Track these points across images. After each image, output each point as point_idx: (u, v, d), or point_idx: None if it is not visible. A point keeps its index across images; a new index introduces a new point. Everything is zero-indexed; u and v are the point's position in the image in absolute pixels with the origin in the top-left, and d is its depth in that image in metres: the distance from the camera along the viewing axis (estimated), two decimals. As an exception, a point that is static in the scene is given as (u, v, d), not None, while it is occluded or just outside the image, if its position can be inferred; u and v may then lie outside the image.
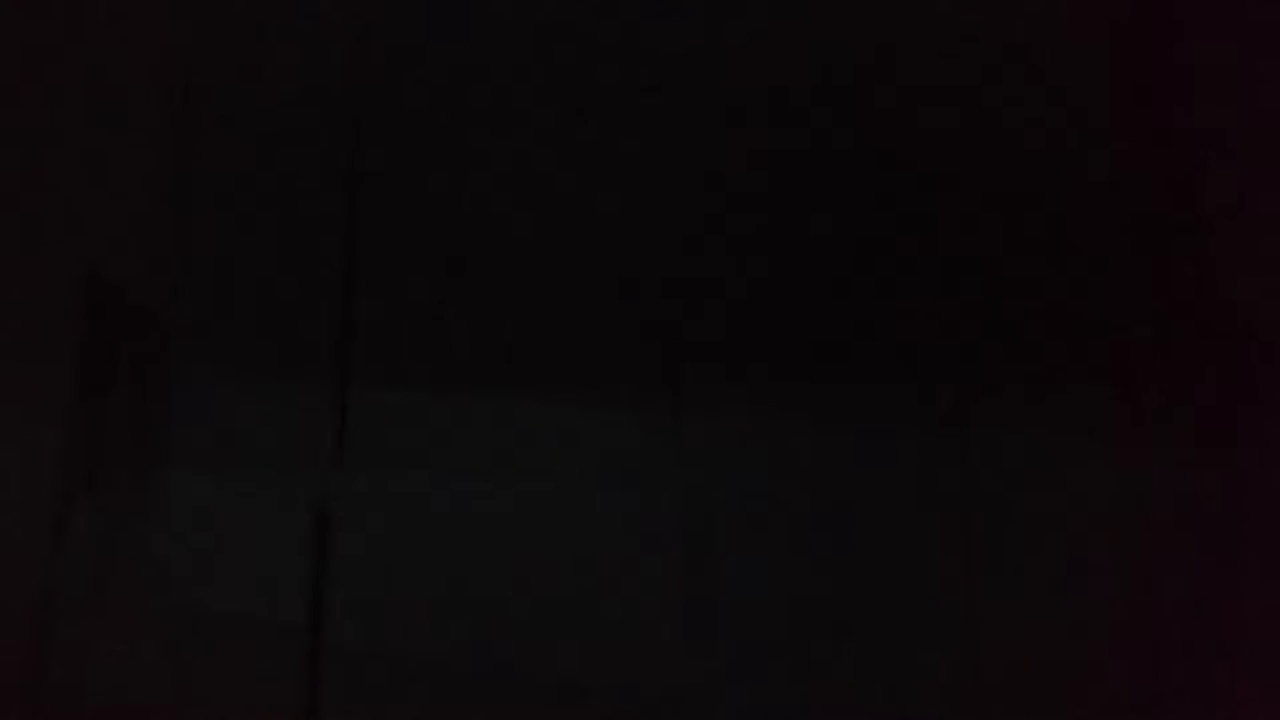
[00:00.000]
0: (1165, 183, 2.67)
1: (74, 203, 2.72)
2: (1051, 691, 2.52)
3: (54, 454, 2.63)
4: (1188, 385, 2.61)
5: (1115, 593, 2.54)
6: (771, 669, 2.56)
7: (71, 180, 2.73)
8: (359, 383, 2.66)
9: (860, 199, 2.69)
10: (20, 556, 2.60)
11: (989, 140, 2.69)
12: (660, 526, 2.61)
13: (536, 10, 2.78)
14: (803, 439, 2.62)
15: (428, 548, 2.61)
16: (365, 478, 2.63)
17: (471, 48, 2.76)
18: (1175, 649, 2.51)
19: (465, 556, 2.60)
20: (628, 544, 2.60)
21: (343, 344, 2.67)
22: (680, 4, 2.76)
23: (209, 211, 2.74)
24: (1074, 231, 2.66)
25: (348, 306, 2.69)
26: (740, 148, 2.72)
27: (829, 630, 2.57)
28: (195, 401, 2.66)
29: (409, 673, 2.57)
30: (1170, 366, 2.62)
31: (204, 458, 2.65)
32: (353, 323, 2.68)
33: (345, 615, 2.59)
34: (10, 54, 2.77)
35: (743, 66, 2.74)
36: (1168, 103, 2.69)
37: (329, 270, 2.70)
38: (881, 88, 2.71)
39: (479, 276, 2.70)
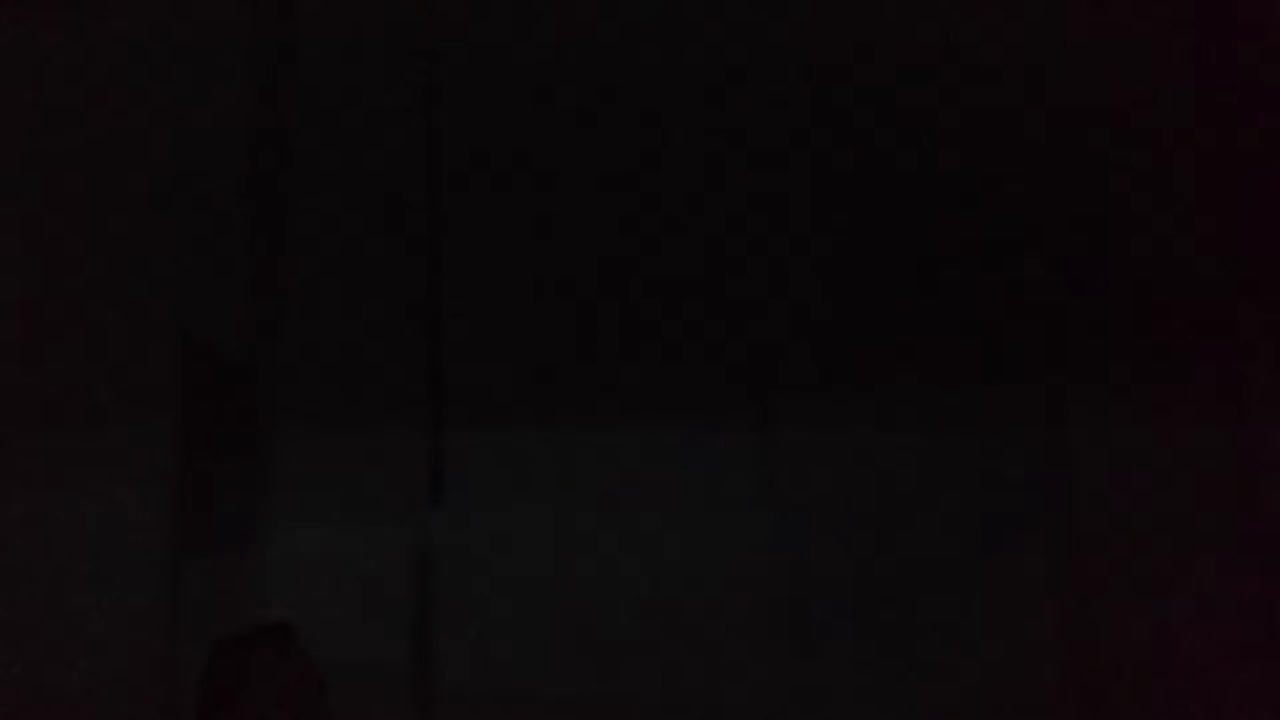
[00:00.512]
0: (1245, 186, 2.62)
1: (167, 265, 2.80)
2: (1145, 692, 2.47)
3: (163, 516, 2.70)
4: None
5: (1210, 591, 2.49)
6: (869, 683, 2.54)
7: (163, 243, 2.81)
8: (452, 424, 2.70)
9: (940, 206, 2.67)
10: (138, 618, 2.68)
11: (1062, 146, 2.66)
12: (754, 548, 2.60)
13: (608, 44, 2.80)
14: (890, 447, 2.61)
15: (527, 583, 2.63)
16: (463, 518, 2.67)
17: (543, 90, 2.80)
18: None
19: (565, 587, 2.62)
20: (724, 567, 2.60)
21: (434, 387, 2.72)
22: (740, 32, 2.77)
23: (297, 263, 2.80)
24: (1159, 232, 2.62)
25: (437, 350, 2.73)
26: (816, 162, 2.71)
27: (923, 639, 2.54)
28: (294, 453, 2.72)
29: (516, 708, 2.59)
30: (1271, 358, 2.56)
31: (307, 508, 2.70)
32: (442, 366, 2.72)
33: (450, 654, 2.62)
34: (96, 115, 2.86)
35: (822, 88, 2.74)
36: (1237, 106, 2.64)
37: (417, 316, 2.75)
38: (951, 105, 2.69)
39: (562, 311, 2.73)
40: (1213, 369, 2.56)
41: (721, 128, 2.74)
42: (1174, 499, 2.52)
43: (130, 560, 2.70)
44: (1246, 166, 2.62)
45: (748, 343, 2.68)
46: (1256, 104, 2.62)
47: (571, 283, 2.73)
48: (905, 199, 2.69)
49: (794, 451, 2.63)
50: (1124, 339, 2.60)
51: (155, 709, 2.67)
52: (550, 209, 2.76)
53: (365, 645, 2.64)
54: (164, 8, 2.89)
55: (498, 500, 2.67)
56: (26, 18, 2.89)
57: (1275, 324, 2.57)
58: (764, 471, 2.63)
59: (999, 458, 2.58)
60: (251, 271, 2.79)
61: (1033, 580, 2.54)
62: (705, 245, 2.71)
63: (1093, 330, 2.60)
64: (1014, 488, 2.57)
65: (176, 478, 2.70)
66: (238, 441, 2.71)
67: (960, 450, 2.59)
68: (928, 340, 2.64)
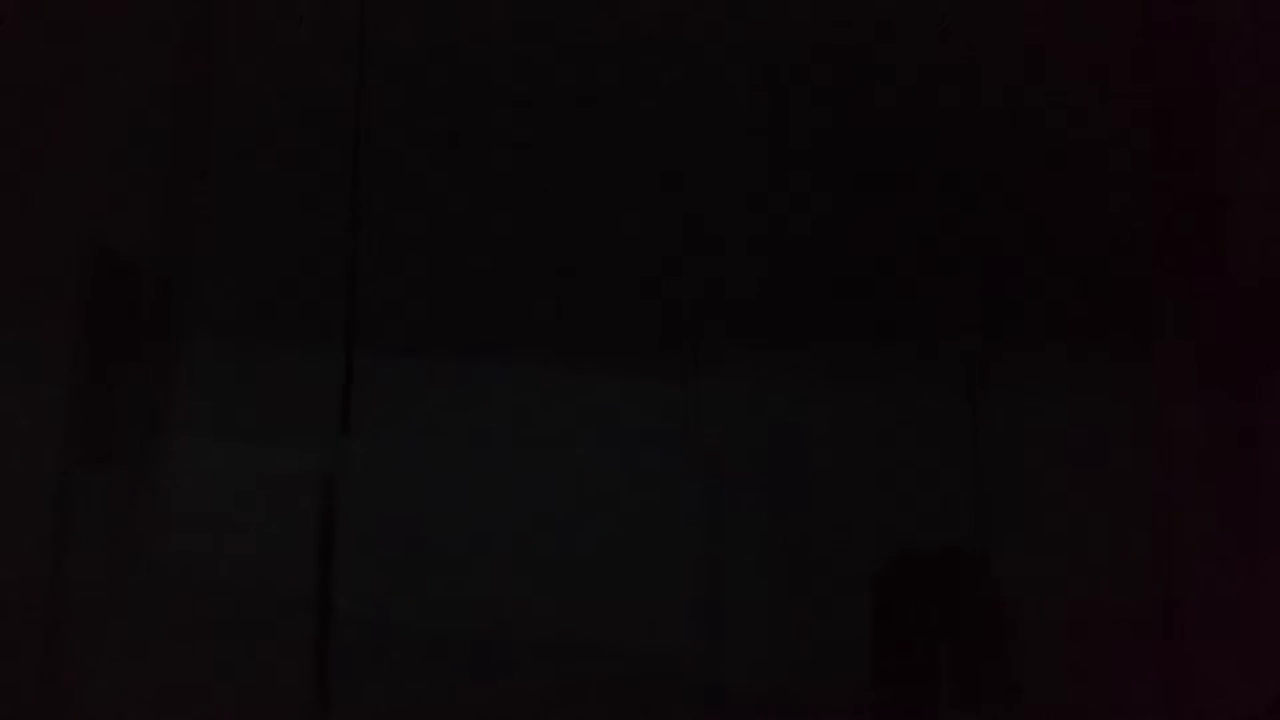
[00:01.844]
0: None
1: (76, 171, 2.70)
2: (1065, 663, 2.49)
3: (59, 425, 2.62)
4: (1207, 346, 2.57)
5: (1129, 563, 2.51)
6: (785, 631, 2.54)
7: (73, 147, 2.71)
8: (365, 348, 2.64)
9: (878, 156, 2.66)
10: (25, 530, 2.59)
11: (998, 105, 2.66)
12: (671, 491, 2.58)
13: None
14: (819, 400, 2.60)
15: (435, 514, 2.59)
16: (372, 444, 2.61)
17: (480, 20, 2.74)
18: (1194, 624, 2.48)
19: (473, 523, 2.58)
20: (638, 509, 2.57)
21: (349, 309, 2.65)
22: None
23: (212, 176, 2.72)
24: (1083, 175, 2.63)
25: (353, 271, 2.66)
26: (759, 108, 2.69)
27: (844, 591, 2.54)
28: (199, 369, 2.65)
29: (418, 641, 2.55)
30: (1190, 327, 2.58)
31: (209, 425, 2.63)
32: (358, 287, 2.66)
33: (352, 583, 2.57)
34: (14, 29, 2.76)
35: (756, 28, 2.71)
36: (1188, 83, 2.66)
37: (334, 234, 2.68)
38: (888, 59, 2.68)
39: (488, 238, 2.67)
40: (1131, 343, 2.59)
41: (659, 81, 2.71)
42: (1085, 462, 2.54)
43: (17, 469, 2.61)
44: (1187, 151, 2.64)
45: (678, 291, 2.65)
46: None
47: (501, 213, 2.68)
48: (845, 154, 2.68)
49: (716, 403, 2.61)
50: (1049, 305, 2.61)
51: (41, 622, 2.59)
52: (480, 132, 2.71)
53: (267, 569, 2.58)
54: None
55: (407, 428, 2.62)
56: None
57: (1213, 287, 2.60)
58: (686, 421, 2.61)
59: (923, 417, 2.59)
60: (171, 181, 2.71)
61: (949, 540, 2.55)
62: (639, 192, 2.68)
63: (1018, 294, 2.61)
64: (934, 446, 2.58)
65: (74, 385, 2.62)
66: (144, 351, 2.63)
67: (884, 408, 2.59)
68: (860, 297, 2.63)
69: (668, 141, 2.69)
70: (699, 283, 2.64)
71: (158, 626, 2.56)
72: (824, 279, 2.64)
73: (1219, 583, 2.46)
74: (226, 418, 2.63)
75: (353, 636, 2.54)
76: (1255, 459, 2.50)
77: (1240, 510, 2.48)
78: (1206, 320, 2.58)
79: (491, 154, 2.69)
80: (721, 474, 2.58)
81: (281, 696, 2.53)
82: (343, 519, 2.58)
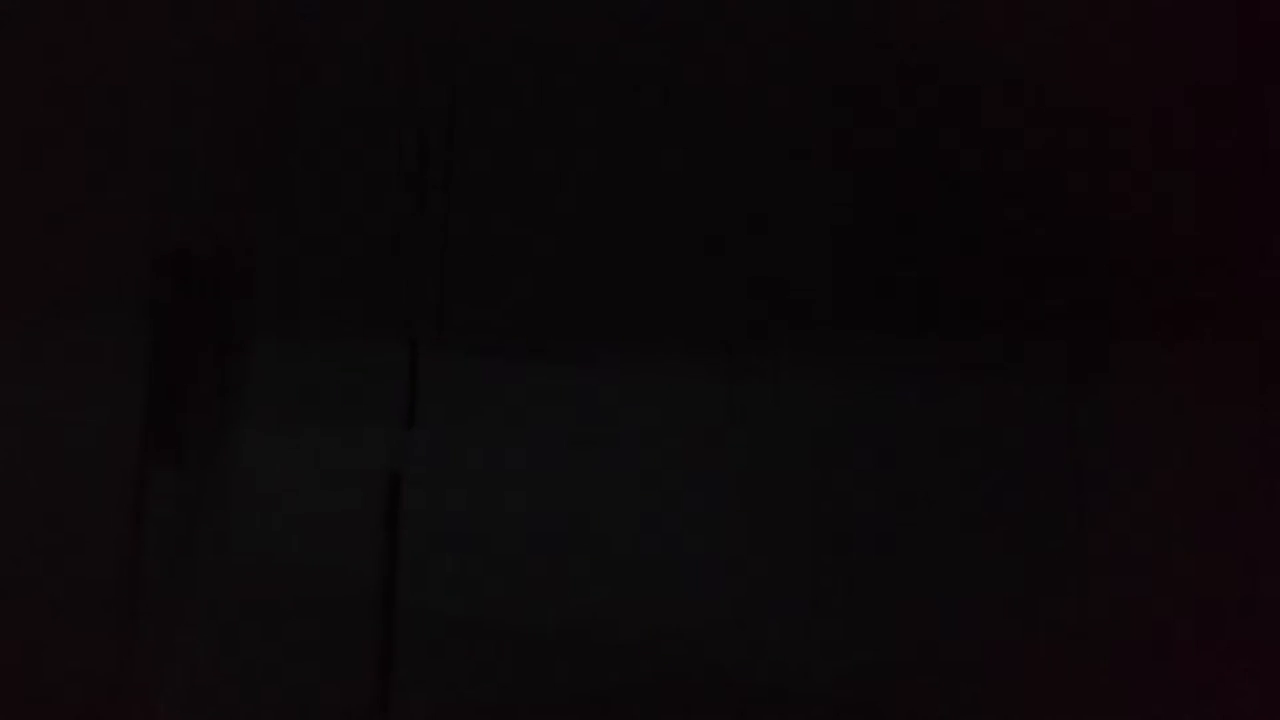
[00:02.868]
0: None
1: (151, 170, 2.77)
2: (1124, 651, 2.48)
3: (135, 418, 2.68)
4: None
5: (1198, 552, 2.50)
6: (824, 621, 2.55)
7: (149, 147, 2.78)
8: (430, 345, 2.69)
9: (924, 155, 2.67)
10: (103, 519, 2.66)
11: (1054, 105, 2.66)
12: (721, 484, 2.60)
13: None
14: (854, 395, 2.61)
15: (496, 505, 2.62)
16: (435, 438, 2.66)
17: (558, 21, 2.78)
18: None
19: (532, 517, 2.61)
20: (688, 502, 2.60)
21: (414, 307, 2.70)
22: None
23: (286, 177, 2.78)
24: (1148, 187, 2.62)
25: (420, 270, 2.71)
26: (806, 109, 2.71)
27: (882, 583, 2.55)
28: (270, 364, 2.70)
29: (478, 628, 2.59)
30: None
31: (279, 419, 2.68)
32: (424, 286, 2.71)
33: (416, 572, 2.61)
34: (92, 32, 2.83)
35: (803, 27, 2.73)
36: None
37: (402, 235, 2.73)
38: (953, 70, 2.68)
39: (549, 243, 2.71)
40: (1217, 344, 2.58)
41: (718, 81, 2.73)
42: (1170, 462, 2.53)
43: (98, 466, 2.68)
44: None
45: (733, 291, 2.67)
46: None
47: (565, 218, 2.71)
48: (900, 152, 2.69)
49: (764, 399, 2.63)
50: (1123, 305, 2.60)
51: (117, 615, 2.65)
52: (548, 140, 2.75)
53: (333, 562, 2.63)
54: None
55: (471, 424, 2.66)
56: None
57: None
58: (734, 417, 2.63)
59: (965, 413, 2.59)
60: (240, 182, 2.77)
61: (1009, 530, 2.55)
62: (693, 194, 2.71)
63: (1095, 292, 2.61)
64: (977, 444, 2.58)
65: (149, 384, 2.68)
66: (215, 348, 2.69)
67: (927, 405, 2.60)
68: (905, 294, 2.64)
69: (724, 146, 2.71)
70: (752, 281, 2.66)
71: (229, 616, 2.61)
72: (889, 274, 2.65)
73: None
74: (295, 413, 2.68)
75: (415, 627, 2.58)
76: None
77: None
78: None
79: (550, 158, 2.73)
80: (770, 471, 2.60)
81: (346, 683, 2.58)
82: (407, 512, 2.62)
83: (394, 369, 2.68)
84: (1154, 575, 2.50)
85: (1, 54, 2.82)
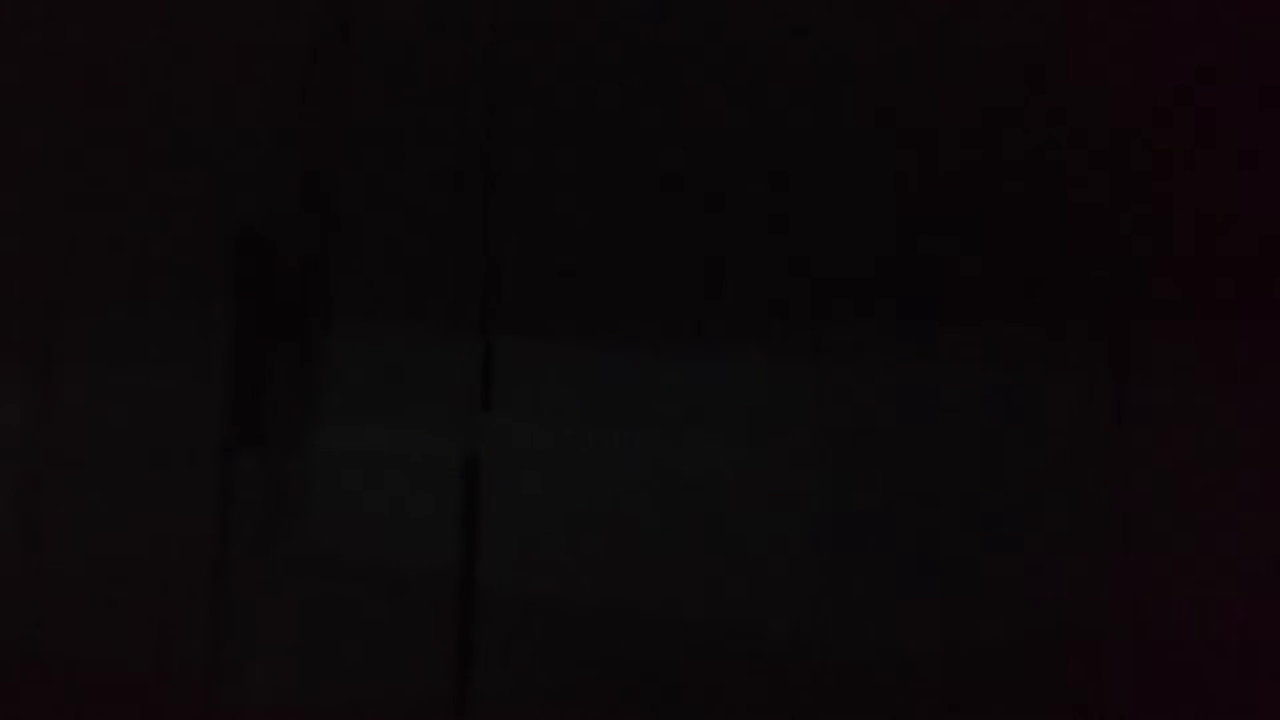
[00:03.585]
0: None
1: (227, 162, 2.81)
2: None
3: (216, 408, 2.72)
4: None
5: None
6: (904, 610, 2.55)
7: (223, 139, 2.82)
8: (505, 331, 2.71)
9: (992, 148, 2.65)
10: (186, 506, 2.71)
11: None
12: (801, 475, 2.61)
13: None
14: (942, 382, 2.60)
15: (575, 495, 2.64)
16: (513, 425, 2.68)
17: (614, 16, 2.78)
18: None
19: (611, 504, 2.63)
20: (768, 490, 2.60)
21: (488, 293, 2.72)
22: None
23: (357, 166, 2.81)
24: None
25: (493, 256, 2.73)
26: (867, 102, 2.70)
27: (963, 571, 2.55)
28: (345, 351, 2.74)
29: (558, 615, 2.61)
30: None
31: (356, 408, 2.72)
32: (498, 272, 2.73)
33: (494, 560, 2.64)
34: (156, 20, 2.87)
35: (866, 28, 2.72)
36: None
37: (474, 221, 2.75)
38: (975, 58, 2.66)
39: (621, 225, 2.72)
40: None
41: (785, 66, 2.72)
42: (1215, 455, 2.51)
43: (183, 447, 2.72)
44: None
45: (807, 274, 2.67)
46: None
47: (633, 199, 2.72)
48: (964, 149, 2.67)
49: (845, 381, 2.63)
50: (1175, 295, 2.57)
51: (201, 599, 2.70)
52: (613, 123, 2.75)
53: (411, 547, 2.66)
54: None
55: (548, 409, 2.68)
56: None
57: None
58: (814, 399, 2.63)
59: (1050, 400, 2.57)
60: (313, 171, 2.80)
61: (1070, 523, 2.54)
62: (766, 177, 2.70)
63: (1145, 282, 2.58)
64: (1058, 432, 2.57)
65: (230, 368, 2.72)
66: (293, 336, 2.73)
67: (1012, 390, 2.58)
68: (984, 281, 2.63)
69: (793, 131, 2.71)
70: (830, 264, 2.66)
71: (310, 602, 2.66)
72: (959, 261, 2.64)
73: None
74: (373, 399, 2.71)
75: (494, 611, 2.62)
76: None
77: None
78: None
79: (620, 146, 2.74)
80: (852, 455, 2.60)
81: (425, 669, 2.61)
82: (485, 497, 2.65)
83: (468, 354, 2.71)
84: (1196, 577, 2.48)
85: (75, 39, 2.87)
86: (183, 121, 2.84)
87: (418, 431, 2.69)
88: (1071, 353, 2.57)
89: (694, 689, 2.57)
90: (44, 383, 2.76)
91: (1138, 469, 2.51)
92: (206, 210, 2.79)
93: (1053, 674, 2.50)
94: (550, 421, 2.67)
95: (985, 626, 2.53)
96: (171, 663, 2.67)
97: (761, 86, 2.72)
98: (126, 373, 2.76)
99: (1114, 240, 2.59)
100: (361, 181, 2.80)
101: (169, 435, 2.73)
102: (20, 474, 2.74)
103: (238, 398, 2.71)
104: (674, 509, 2.62)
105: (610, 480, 2.64)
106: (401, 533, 2.67)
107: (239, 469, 2.71)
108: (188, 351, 2.75)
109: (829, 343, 2.64)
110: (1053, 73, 2.64)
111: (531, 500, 2.65)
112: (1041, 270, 2.60)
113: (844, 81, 2.70)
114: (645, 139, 2.73)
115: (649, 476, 2.63)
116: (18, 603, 2.70)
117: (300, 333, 2.73)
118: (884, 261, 2.65)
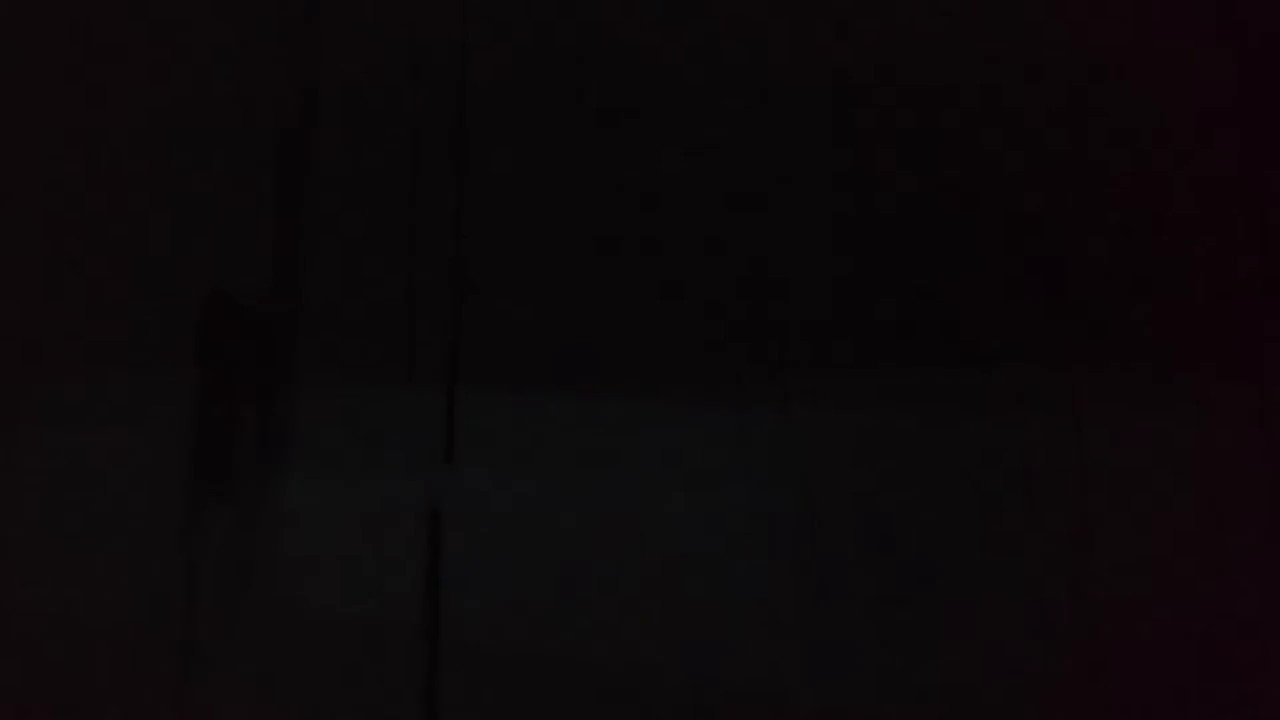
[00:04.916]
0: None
1: (192, 218, 2.84)
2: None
3: (181, 462, 2.74)
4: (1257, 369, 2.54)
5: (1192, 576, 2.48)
6: (875, 654, 2.55)
7: (189, 195, 2.85)
8: (468, 384, 2.73)
9: (955, 190, 2.68)
10: (153, 560, 2.71)
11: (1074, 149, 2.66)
12: (769, 520, 2.61)
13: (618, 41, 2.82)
14: (907, 426, 2.61)
15: (538, 545, 2.65)
16: (475, 477, 2.69)
17: (568, 78, 2.82)
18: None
19: (574, 553, 2.64)
20: (737, 537, 2.61)
21: (452, 347, 2.74)
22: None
23: (321, 222, 2.84)
24: (1155, 221, 2.61)
25: (457, 311, 2.76)
26: (830, 145, 2.72)
27: (928, 616, 2.55)
28: (309, 406, 2.75)
29: (521, 663, 2.61)
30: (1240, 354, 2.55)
31: (319, 461, 2.73)
32: (461, 326, 2.75)
33: (458, 611, 2.64)
34: (121, 76, 2.91)
35: (832, 71, 2.75)
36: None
37: (437, 276, 2.78)
38: (972, 92, 2.69)
39: (583, 280, 2.75)
40: (1223, 363, 2.56)
41: (748, 110, 2.76)
42: (1176, 487, 2.51)
43: (146, 507, 2.74)
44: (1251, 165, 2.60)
45: (769, 322, 2.69)
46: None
47: (597, 252, 2.75)
48: (919, 190, 2.70)
49: (804, 428, 2.64)
50: (1130, 331, 2.59)
51: (165, 654, 2.70)
52: (576, 179, 2.78)
53: (375, 600, 2.67)
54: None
55: (511, 461, 2.69)
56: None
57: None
58: (774, 447, 2.64)
59: (1008, 441, 2.58)
60: (277, 228, 2.83)
61: (1033, 559, 2.54)
62: (731, 228, 2.73)
63: (1100, 321, 2.60)
64: (1018, 471, 2.57)
65: (194, 427, 2.74)
66: (255, 393, 2.75)
67: (971, 433, 2.59)
68: (943, 326, 2.65)
69: (755, 180, 2.74)
70: (790, 313, 2.68)
71: (273, 654, 2.66)
72: (916, 307, 2.66)
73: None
74: (336, 452, 2.73)
75: (458, 662, 2.62)
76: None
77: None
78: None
79: (582, 200, 2.77)
80: (814, 502, 2.61)
81: (390, 717, 2.61)
82: (447, 548, 2.66)
83: (431, 409, 2.73)
84: (1156, 602, 2.48)
85: (36, 103, 2.91)
86: (149, 187, 2.87)
87: (381, 484, 2.70)
88: (1027, 395, 2.58)
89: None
90: (6, 449, 2.78)
91: (1096, 509, 2.52)
92: (172, 273, 2.82)
93: (1011, 717, 2.49)
94: (513, 473, 2.69)
95: (945, 670, 2.53)
96: (138, 713, 2.67)
97: (716, 143, 2.75)
98: (92, 433, 2.78)
99: (1069, 282, 2.61)
100: (326, 240, 2.83)
101: (136, 491, 2.75)
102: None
103: (202, 454, 2.73)
104: (636, 558, 2.63)
105: (572, 530, 2.65)
106: (366, 583, 2.68)
107: (205, 524, 2.73)
108: (155, 411, 2.77)
109: (788, 390, 2.66)
110: (1000, 121, 2.68)
111: (494, 550, 2.66)
112: (996, 314, 2.62)
113: (794, 130, 2.73)
114: (606, 196, 2.77)
115: (611, 526, 2.64)
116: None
117: (266, 390, 2.75)
118: (842, 309, 2.67)
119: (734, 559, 2.60)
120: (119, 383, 2.78)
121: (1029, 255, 2.64)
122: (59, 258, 2.85)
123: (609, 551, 2.63)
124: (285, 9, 2.88)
